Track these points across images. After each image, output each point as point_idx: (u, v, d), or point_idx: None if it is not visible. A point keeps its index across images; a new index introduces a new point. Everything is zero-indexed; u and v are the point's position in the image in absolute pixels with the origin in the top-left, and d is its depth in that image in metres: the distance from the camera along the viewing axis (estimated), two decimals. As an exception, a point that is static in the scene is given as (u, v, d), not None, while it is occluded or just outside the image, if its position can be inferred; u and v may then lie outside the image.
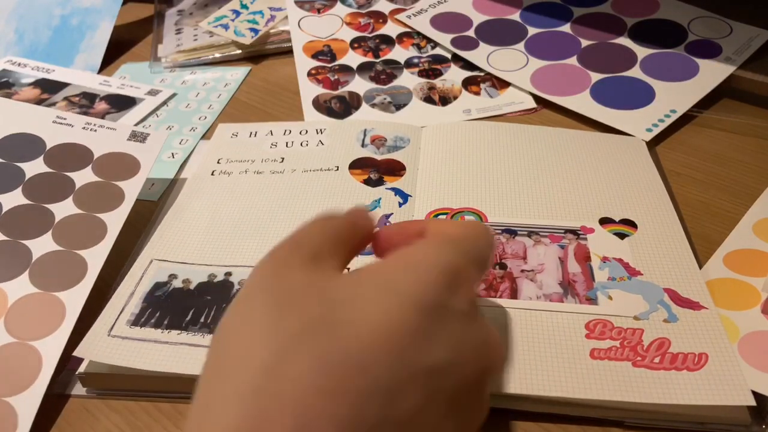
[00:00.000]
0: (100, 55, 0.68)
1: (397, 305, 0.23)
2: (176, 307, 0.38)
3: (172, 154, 0.55)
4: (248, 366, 0.21)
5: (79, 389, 0.36)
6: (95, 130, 0.47)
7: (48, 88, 0.63)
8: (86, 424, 0.35)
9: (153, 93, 0.63)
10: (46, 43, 0.69)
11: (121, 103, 0.61)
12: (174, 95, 0.63)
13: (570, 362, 0.34)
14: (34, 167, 0.44)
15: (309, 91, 0.61)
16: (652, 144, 0.51)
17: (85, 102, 0.61)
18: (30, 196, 0.42)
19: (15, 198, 0.42)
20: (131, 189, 0.44)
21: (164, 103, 0.62)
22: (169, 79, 0.66)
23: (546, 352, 0.34)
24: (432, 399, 0.22)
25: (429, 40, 0.66)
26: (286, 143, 0.53)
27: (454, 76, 0.62)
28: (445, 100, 0.59)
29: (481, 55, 0.63)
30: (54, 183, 0.44)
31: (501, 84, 0.60)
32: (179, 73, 0.67)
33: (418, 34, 0.67)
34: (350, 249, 0.28)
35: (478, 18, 0.68)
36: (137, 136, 0.47)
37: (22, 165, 0.44)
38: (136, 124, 0.58)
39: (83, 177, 0.44)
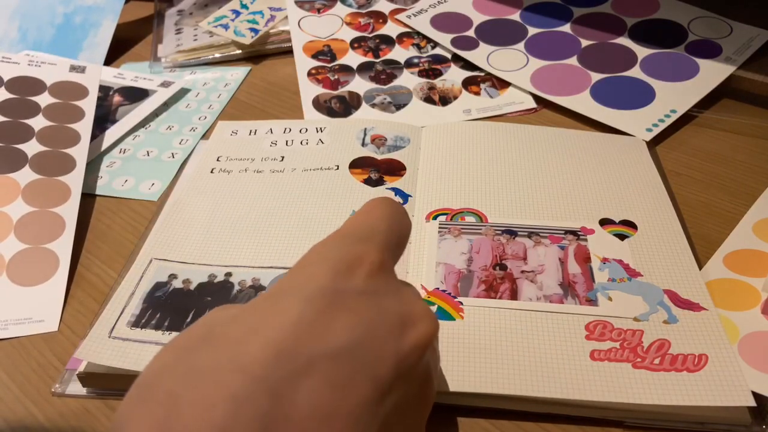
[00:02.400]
0: (103, 54, 0.68)
1: (279, 307, 0.23)
2: (177, 308, 0.38)
3: (172, 154, 0.55)
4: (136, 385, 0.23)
5: (79, 389, 0.36)
6: (39, 66, 0.57)
7: None
8: (86, 424, 0.35)
9: (165, 85, 0.63)
10: (49, 41, 0.69)
11: (135, 95, 0.62)
12: (188, 90, 0.63)
13: (570, 363, 0.34)
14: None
15: (309, 91, 0.61)
16: (652, 144, 0.51)
17: (100, 94, 0.61)
18: (5, 114, 0.52)
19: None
20: (88, 107, 0.55)
21: (175, 95, 0.62)
22: (170, 79, 0.66)
23: (546, 353, 0.34)
24: (344, 384, 0.22)
25: (429, 40, 0.66)
26: (286, 141, 0.53)
27: (454, 76, 0.62)
28: (445, 100, 0.59)
29: (481, 55, 0.63)
30: (21, 104, 0.53)
31: (501, 84, 0.60)
32: (179, 73, 0.67)
33: (418, 34, 0.67)
34: None
35: (478, 18, 0.68)
36: (77, 69, 0.57)
37: None
38: (147, 116, 0.60)
39: (44, 99, 0.54)
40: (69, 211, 0.47)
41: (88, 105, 0.55)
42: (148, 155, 0.55)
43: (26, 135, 0.51)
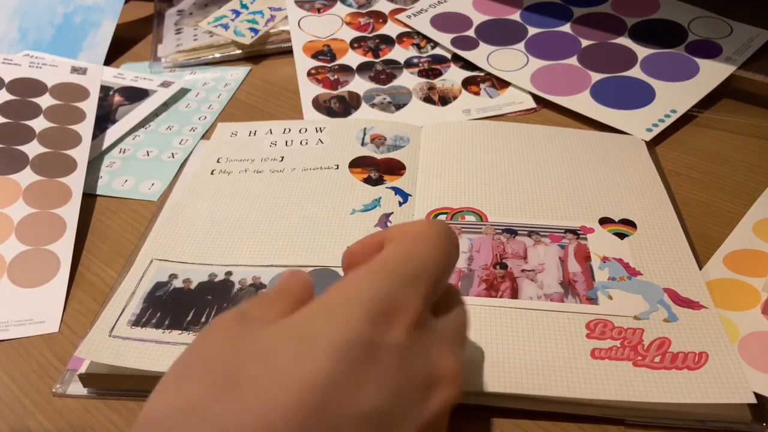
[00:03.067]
0: (103, 54, 0.68)
1: (309, 354, 0.22)
2: (177, 307, 0.38)
3: (172, 154, 0.55)
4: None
5: (79, 389, 0.36)
6: (40, 67, 0.57)
7: None
8: (86, 424, 0.35)
9: (165, 85, 0.63)
10: (49, 41, 0.69)
11: (135, 95, 0.62)
12: (188, 90, 0.63)
13: (571, 362, 0.34)
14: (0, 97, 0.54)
15: (309, 91, 0.61)
16: (652, 144, 0.51)
17: (100, 94, 0.61)
18: (7, 116, 0.52)
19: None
20: (89, 109, 0.55)
21: (175, 95, 0.62)
22: (170, 79, 0.66)
23: (547, 352, 0.34)
24: None
25: (429, 40, 0.66)
26: (286, 142, 0.53)
27: (453, 76, 0.62)
28: (444, 100, 0.59)
29: (481, 55, 0.63)
30: (22, 105, 0.53)
31: (501, 84, 0.60)
32: (179, 73, 0.67)
33: (418, 34, 0.67)
34: (284, 307, 0.26)
35: (478, 18, 0.68)
36: (78, 70, 0.57)
37: None
38: (147, 116, 0.59)
39: (46, 101, 0.54)
40: (70, 212, 0.47)
41: (89, 106, 0.55)
42: (148, 155, 0.55)
43: (27, 136, 0.51)
